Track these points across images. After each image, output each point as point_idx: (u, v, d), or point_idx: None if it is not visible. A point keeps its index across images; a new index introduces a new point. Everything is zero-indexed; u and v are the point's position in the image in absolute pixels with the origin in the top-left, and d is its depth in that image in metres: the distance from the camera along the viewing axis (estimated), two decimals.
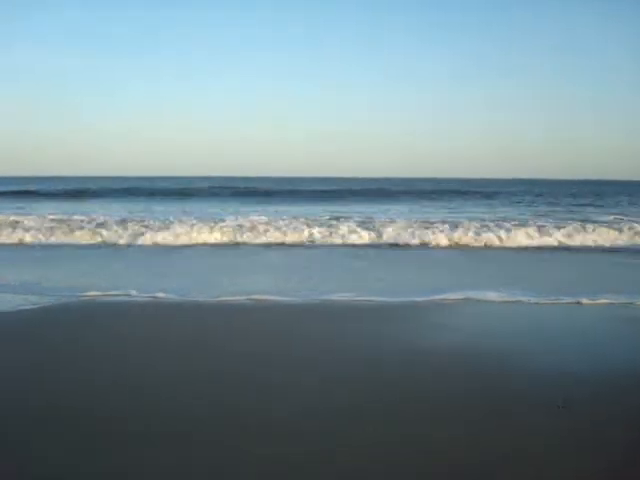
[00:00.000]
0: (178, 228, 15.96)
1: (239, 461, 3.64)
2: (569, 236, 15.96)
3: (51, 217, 17.56)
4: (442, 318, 7.41)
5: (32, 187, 43.62)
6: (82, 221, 16.98)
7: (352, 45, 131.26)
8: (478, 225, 16.71)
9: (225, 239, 15.57)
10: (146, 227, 16.10)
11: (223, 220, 17.11)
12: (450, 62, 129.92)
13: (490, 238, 15.66)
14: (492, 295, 8.44)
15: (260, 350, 5.92)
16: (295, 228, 16.27)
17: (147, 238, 15.29)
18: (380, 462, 3.64)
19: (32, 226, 16.08)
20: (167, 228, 15.99)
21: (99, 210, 23.55)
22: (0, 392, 4.75)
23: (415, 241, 15.48)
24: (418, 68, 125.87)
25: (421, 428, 4.11)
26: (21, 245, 14.94)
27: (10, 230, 15.71)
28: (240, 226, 16.24)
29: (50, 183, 51.87)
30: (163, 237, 15.36)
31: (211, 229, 15.94)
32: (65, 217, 17.79)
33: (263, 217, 18.02)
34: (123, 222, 16.68)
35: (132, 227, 16.08)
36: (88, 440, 3.88)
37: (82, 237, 15.39)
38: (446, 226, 16.48)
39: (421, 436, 3.99)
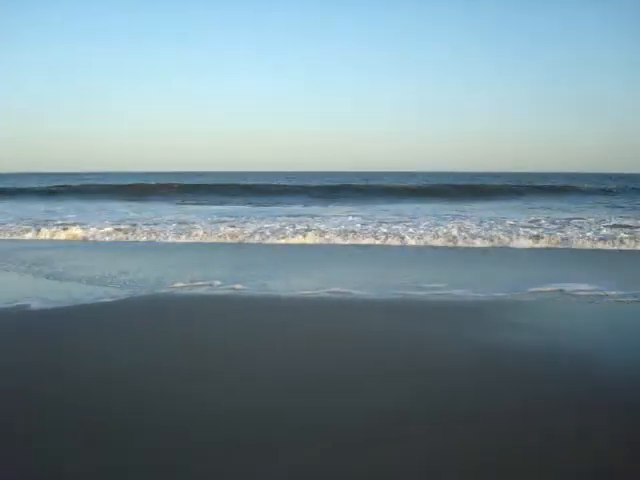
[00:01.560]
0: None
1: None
2: None
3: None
4: (526, 313, 7.15)
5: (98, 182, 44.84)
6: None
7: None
8: None
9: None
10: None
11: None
12: None
13: None
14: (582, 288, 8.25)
15: (334, 345, 5.82)
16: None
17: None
18: (452, 468, 3.43)
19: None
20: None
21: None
22: (75, 384, 4.77)
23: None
24: None
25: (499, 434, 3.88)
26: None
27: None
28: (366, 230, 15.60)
29: (108, 179, 54.09)
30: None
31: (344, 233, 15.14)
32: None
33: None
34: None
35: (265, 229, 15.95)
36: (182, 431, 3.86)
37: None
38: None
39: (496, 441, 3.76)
